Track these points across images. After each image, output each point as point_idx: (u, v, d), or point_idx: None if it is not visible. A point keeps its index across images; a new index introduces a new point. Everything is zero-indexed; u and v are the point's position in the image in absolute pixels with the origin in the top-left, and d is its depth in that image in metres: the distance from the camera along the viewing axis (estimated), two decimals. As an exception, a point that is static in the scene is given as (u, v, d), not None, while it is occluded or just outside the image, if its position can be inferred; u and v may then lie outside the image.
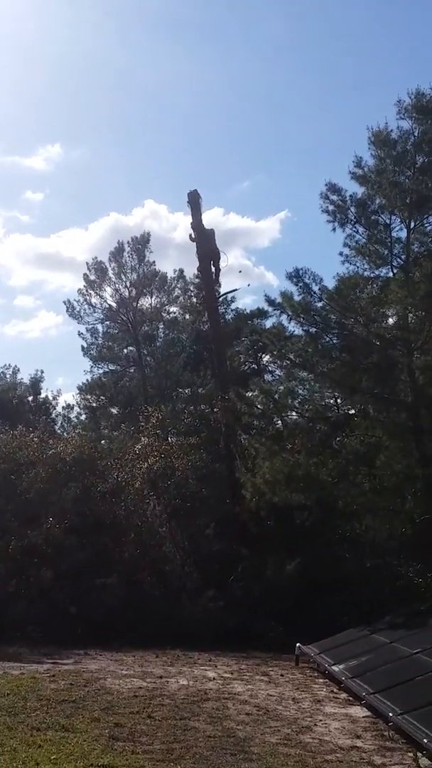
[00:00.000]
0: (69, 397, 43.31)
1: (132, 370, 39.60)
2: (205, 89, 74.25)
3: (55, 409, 39.67)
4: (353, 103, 69.68)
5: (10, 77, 74.21)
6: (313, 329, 18.66)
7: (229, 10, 71.64)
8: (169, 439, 26.19)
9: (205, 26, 75.02)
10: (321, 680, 13.80)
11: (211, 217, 58.12)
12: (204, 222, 24.46)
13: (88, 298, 38.40)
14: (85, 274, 38.24)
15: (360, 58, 73.41)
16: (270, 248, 65.68)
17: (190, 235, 24.44)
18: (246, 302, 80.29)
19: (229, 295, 32.81)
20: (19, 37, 72.75)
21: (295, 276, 18.24)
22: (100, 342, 39.42)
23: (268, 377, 31.97)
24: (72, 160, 75.92)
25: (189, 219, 24.53)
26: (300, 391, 20.75)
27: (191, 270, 34.18)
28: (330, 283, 18.84)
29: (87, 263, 38.55)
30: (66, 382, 79.65)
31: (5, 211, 75.55)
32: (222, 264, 24.94)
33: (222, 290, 27.19)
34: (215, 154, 78.11)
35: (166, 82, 72.56)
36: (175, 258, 71.16)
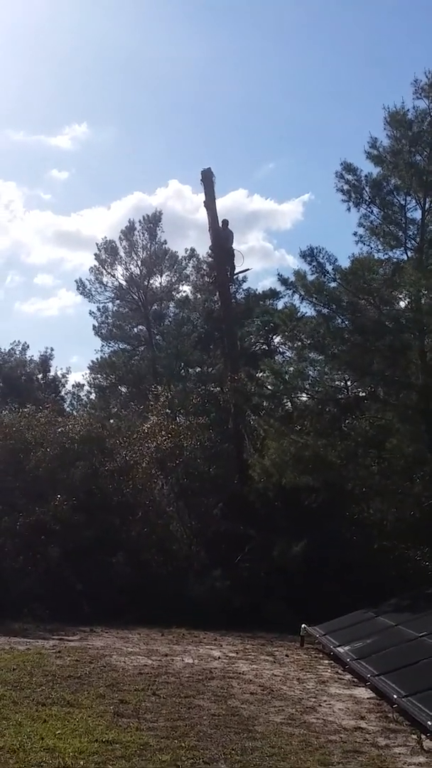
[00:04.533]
0: (80, 375, 43.26)
1: (142, 349, 39.51)
2: (230, 71, 73.83)
3: (64, 387, 39.70)
4: (380, 86, 69.02)
5: (39, 56, 74.20)
6: (326, 310, 18.50)
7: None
8: (177, 418, 26.14)
9: (226, 9, 74.40)
10: (326, 661, 13.81)
11: (234, 199, 58.47)
12: (227, 203, 24.62)
13: (99, 276, 38.31)
14: (96, 253, 38.14)
15: (384, 38, 72.67)
16: (292, 231, 65.31)
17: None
18: (264, 284, 79.70)
19: (241, 275, 32.52)
20: (49, 16, 72.43)
21: (309, 255, 18.09)
22: (110, 321, 39.33)
23: (278, 358, 31.75)
24: (99, 139, 75.91)
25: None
26: (310, 373, 20.58)
27: (205, 249, 34.03)
28: (345, 264, 18.71)
29: (96, 243, 38.46)
30: (80, 361, 79.99)
31: (29, 189, 75.54)
32: (238, 264, 24.90)
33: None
34: (241, 136, 77.87)
35: (192, 64, 72.46)
36: (195, 238, 70.88)
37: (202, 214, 24.51)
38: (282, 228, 66.81)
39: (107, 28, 72.03)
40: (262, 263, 70.65)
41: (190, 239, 73.99)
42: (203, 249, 37.45)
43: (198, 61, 72.04)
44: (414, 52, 68.07)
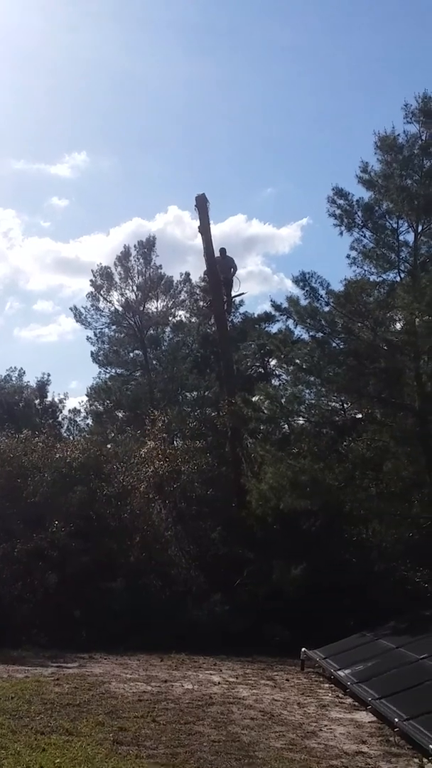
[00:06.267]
0: (78, 400, 43.27)
1: (138, 374, 39.62)
2: (228, 97, 74.84)
3: (61, 412, 39.77)
4: (377, 110, 69.74)
5: (39, 86, 75.36)
6: (320, 334, 18.58)
7: (248, 20, 72.20)
8: (174, 442, 26.15)
9: (222, 35, 75.50)
10: (326, 685, 13.74)
11: (233, 224, 59.17)
12: (226, 228, 24.88)
13: (95, 302, 38.51)
14: (91, 280, 38.36)
15: (381, 62, 73.57)
16: (290, 255, 65.80)
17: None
18: (263, 308, 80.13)
19: (237, 299, 32.73)
20: (47, 47, 73.45)
21: (302, 280, 18.16)
22: (107, 347, 39.47)
23: (274, 381, 31.86)
24: (98, 167, 76.80)
25: (212, 226, 24.58)
26: (306, 396, 20.65)
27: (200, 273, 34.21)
28: (338, 288, 18.82)
29: (92, 269, 38.65)
30: (79, 386, 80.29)
31: (28, 217, 76.26)
32: (234, 292, 25.06)
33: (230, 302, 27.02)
34: (239, 161, 78.58)
35: (190, 91, 73.61)
36: (194, 263, 71.55)
37: (201, 240, 24.64)
38: (280, 252, 67.45)
39: (103, 56, 73.03)
40: (260, 287, 70.73)
41: (188, 264, 74.99)
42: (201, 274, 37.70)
43: (195, 88, 73.48)
44: (409, 75, 69.02)
